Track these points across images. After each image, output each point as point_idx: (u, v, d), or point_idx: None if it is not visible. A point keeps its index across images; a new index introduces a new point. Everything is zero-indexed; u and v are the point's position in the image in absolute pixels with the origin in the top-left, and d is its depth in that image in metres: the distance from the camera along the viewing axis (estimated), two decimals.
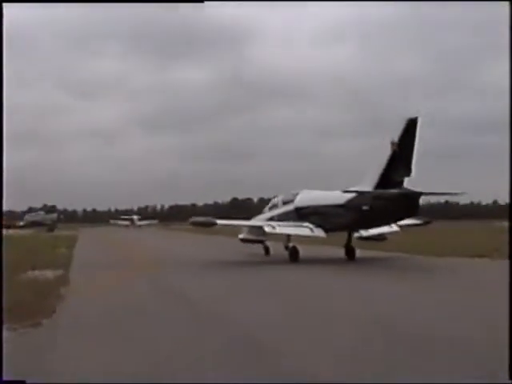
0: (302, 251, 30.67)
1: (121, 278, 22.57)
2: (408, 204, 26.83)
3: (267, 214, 34.61)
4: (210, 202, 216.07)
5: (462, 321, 12.39)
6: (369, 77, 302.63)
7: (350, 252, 31.11)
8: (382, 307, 14.46)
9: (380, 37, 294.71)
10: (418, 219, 33.92)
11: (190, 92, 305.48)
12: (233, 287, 19.85)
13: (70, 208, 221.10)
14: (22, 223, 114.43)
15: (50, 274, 22.57)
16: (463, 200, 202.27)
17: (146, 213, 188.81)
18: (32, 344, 10.56)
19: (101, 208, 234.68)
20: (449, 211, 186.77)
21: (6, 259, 29.13)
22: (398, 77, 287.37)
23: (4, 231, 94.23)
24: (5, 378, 6.53)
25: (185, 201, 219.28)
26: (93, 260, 32.88)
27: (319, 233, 30.54)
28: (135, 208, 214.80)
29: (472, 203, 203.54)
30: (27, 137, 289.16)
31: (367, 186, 27.99)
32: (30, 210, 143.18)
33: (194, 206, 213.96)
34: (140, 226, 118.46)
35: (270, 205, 35.46)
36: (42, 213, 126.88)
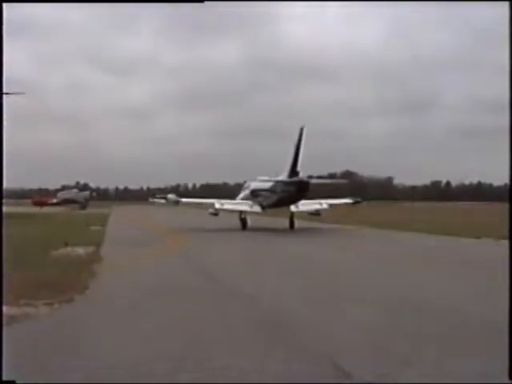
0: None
1: (151, 253, 22.72)
2: (301, 188, 39.04)
3: (241, 194, 45.50)
4: (241, 180, 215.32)
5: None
6: (396, 56, 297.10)
7: (291, 223, 41.70)
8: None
9: (407, 15, 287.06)
10: (350, 199, 46.41)
11: (220, 71, 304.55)
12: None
13: (102, 186, 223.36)
14: (54, 201, 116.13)
15: (82, 250, 22.81)
16: (496, 182, 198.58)
17: (177, 191, 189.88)
18: (65, 319, 10.63)
19: (133, 186, 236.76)
20: (483, 192, 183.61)
21: (39, 236, 29.73)
22: (424, 55, 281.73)
23: (38, 209, 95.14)
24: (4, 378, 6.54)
25: (216, 180, 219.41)
26: (124, 237, 33.24)
27: (256, 209, 41.88)
28: (167, 187, 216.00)
29: (506, 185, 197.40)
30: (60, 116, 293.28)
31: (284, 175, 40.02)
32: (63, 188, 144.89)
33: (225, 184, 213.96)
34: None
35: (244, 187, 46.12)
36: (74, 190, 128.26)
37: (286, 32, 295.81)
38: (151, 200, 56.30)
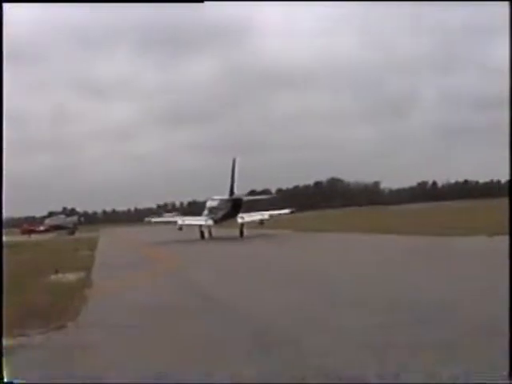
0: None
1: (141, 277, 22.81)
2: (236, 205, 50.75)
3: (204, 211, 54.89)
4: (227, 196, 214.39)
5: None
6: (373, 61, 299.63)
7: (241, 232, 50.30)
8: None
9: (380, 21, 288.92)
10: (288, 210, 58.99)
11: (200, 87, 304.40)
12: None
13: (89, 210, 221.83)
14: (42, 228, 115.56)
15: (73, 276, 22.77)
16: (482, 178, 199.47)
17: (165, 210, 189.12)
18: (58, 347, 10.70)
19: (120, 208, 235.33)
20: (470, 190, 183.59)
21: (28, 264, 29.66)
22: (400, 59, 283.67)
23: (26, 237, 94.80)
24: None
25: (203, 196, 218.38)
26: (111, 259, 33.43)
27: (209, 222, 52.16)
28: (154, 206, 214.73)
29: (492, 181, 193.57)
30: (43, 142, 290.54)
31: (226, 194, 51.65)
32: (51, 214, 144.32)
33: None
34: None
35: (206, 205, 55.78)
36: (62, 216, 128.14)
37: (261, 46, 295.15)
38: (146, 220, 71.37)
